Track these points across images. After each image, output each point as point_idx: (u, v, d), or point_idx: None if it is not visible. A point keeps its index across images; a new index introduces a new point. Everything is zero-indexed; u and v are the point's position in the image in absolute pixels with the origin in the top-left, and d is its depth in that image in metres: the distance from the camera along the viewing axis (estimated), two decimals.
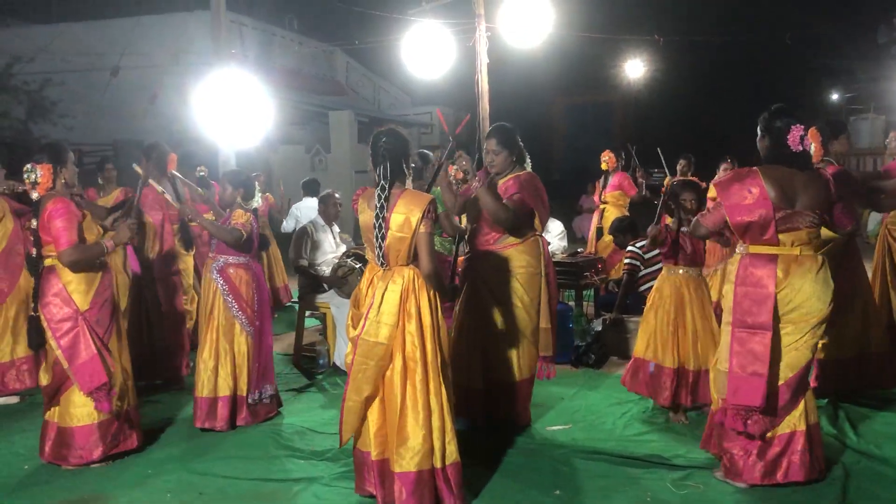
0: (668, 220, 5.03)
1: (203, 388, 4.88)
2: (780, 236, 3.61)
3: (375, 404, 3.63)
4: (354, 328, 3.65)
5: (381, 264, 3.61)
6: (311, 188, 9.29)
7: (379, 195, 3.56)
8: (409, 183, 3.73)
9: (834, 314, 3.82)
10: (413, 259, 3.62)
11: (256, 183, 5.35)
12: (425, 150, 6.20)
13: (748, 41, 21.58)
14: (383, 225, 3.55)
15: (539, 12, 7.46)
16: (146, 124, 14.10)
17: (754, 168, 3.70)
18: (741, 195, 3.63)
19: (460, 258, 6.73)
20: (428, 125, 25.94)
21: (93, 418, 4.27)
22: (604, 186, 8.67)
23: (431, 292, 3.62)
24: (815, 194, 3.63)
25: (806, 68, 28.60)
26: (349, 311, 3.76)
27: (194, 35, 15.88)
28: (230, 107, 8.30)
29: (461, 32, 8.21)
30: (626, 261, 7.12)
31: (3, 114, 14.62)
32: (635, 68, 21.14)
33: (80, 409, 4.26)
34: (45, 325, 4.23)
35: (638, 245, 7.07)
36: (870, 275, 5.70)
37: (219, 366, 4.89)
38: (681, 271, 4.92)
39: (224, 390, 4.88)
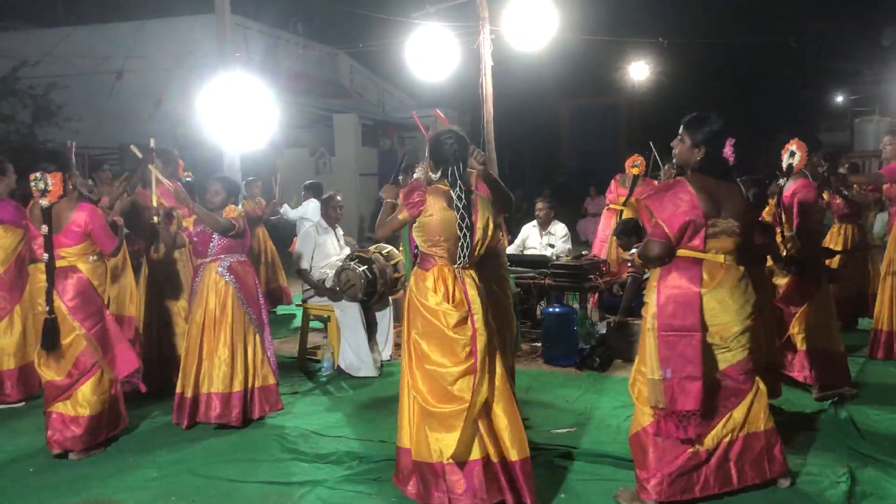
0: None
1: (218, 384, 4.95)
2: (708, 244, 3.59)
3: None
4: (455, 329, 3.61)
5: (462, 264, 3.70)
6: (315, 190, 9.30)
7: (460, 196, 3.66)
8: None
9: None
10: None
11: (254, 187, 5.41)
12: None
13: (753, 44, 21.56)
14: (472, 225, 3.67)
15: (543, 15, 7.45)
16: (151, 128, 14.08)
17: (680, 178, 3.68)
18: (675, 203, 3.58)
19: None
20: (432, 127, 25.99)
21: (96, 408, 4.59)
22: (631, 190, 8.18)
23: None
24: (737, 204, 3.64)
25: (811, 71, 28.57)
26: (425, 314, 3.67)
27: (199, 39, 15.91)
28: (235, 110, 8.30)
29: (465, 35, 8.21)
30: (631, 264, 7.12)
31: (8, 117, 14.64)
32: (640, 71, 21.13)
33: (92, 398, 4.56)
34: (72, 321, 4.51)
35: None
36: (882, 273, 6.21)
37: (234, 361, 4.99)
38: None
39: (237, 386, 4.99)
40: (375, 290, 6.23)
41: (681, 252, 3.64)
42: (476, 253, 3.73)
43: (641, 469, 3.70)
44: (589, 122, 30.61)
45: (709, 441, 3.63)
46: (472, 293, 3.68)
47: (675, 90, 25.01)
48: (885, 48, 23.54)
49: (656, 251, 3.62)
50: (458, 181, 3.69)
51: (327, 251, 6.78)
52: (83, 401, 4.55)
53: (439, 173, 3.74)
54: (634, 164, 8.14)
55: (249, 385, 5.06)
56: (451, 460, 3.57)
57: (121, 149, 15.84)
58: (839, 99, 30.42)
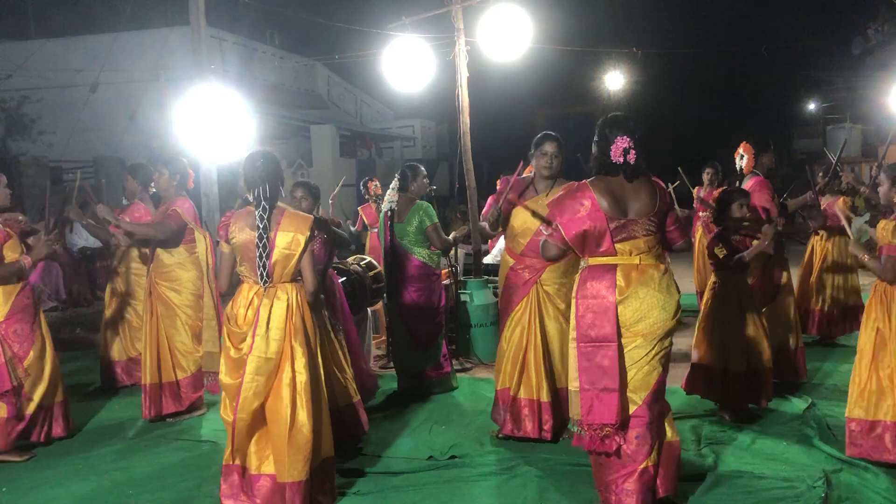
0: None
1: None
2: (618, 246, 3.52)
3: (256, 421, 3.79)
4: (236, 347, 3.78)
5: (264, 282, 3.77)
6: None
7: (261, 216, 3.77)
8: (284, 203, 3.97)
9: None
10: (294, 277, 3.86)
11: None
12: (416, 164, 6.19)
13: (727, 53, 21.81)
14: (268, 244, 3.76)
15: (518, 26, 7.47)
16: (126, 140, 14.02)
17: (584, 182, 3.62)
18: (574, 209, 3.54)
19: (443, 271, 6.76)
20: (410, 138, 25.98)
21: None
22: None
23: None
24: (646, 202, 3.55)
25: (785, 79, 28.96)
26: (224, 330, 3.89)
27: (174, 51, 15.84)
28: (211, 122, 8.27)
29: (441, 46, 8.22)
30: None
31: None
32: (616, 80, 21.32)
33: None
34: None
35: None
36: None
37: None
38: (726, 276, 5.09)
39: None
40: (353, 302, 6.20)
41: (594, 260, 3.59)
42: (278, 273, 3.79)
43: (596, 481, 3.68)
44: (565, 132, 30.64)
45: (653, 457, 3.53)
46: (263, 313, 3.74)
47: (650, 99, 25.23)
48: (855, 57, 23.92)
49: (552, 252, 3.70)
50: (262, 202, 3.79)
51: None
52: None
53: (251, 193, 3.84)
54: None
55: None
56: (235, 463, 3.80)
57: (95, 162, 15.73)
58: (812, 107, 30.84)
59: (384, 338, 7.31)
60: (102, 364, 6.37)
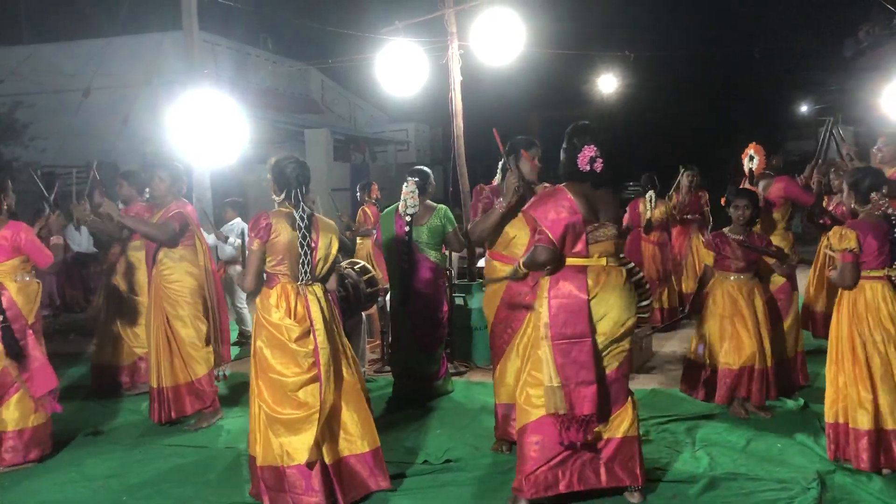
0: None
1: None
2: (591, 248, 3.71)
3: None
4: (296, 342, 3.90)
5: (306, 280, 3.99)
6: (237, 208, 8.83)
7: (302, 217, 3.99)
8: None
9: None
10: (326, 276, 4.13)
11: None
12: (424, 168, 6.10)
13: (719, 56, 21.88)
14: (312, 244, 3.98)
15: (511, 30, 7.49)
16: (119, 146, 13.97)
17: (560, 185, 3.80)
18: (557, 210, 3.69)
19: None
20: (404, 142, 26.00)
21: (19, 425, 4.69)
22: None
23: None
24: (612, 209, 3.79)
25: (777, 81, 29.05)
26: (269, 328, 3.96)
27: (168, 55, 15.80)
28: (204, 127, 8.25)
29: (435, 50, 8.24)
30: None
31: None
32: (608, 83, 21.36)
33: (15, 415, 4.69)
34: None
35: None
36: None
37: None
38: (731, 277, 5.17)
39: None
40: (348, 306, 6.18)
41: (568, 261, 3.74)
42: (318, 271, 4.03)
43: (521, 466, 3.78)
44: (559, 135, 30.57)
45: (596, 442, 3.73)
46: (315, 309, 3.95)
47: (643, 102, 25.30)
48: (847, 59, 24.02)
49: (544, 257, 3.72)
50: (301, 203, 4.01)
51: None
52: (7, 417, 4.67)
53: (283, 196, 4.05)
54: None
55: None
56: (295, 463, 3.85)
57: (88, 167, 15.70)
58: (804, 108, 30.94)
59: (378, 342, 7.30)
60: (94, 369, 6.36)
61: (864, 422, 4.08)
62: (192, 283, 5.49)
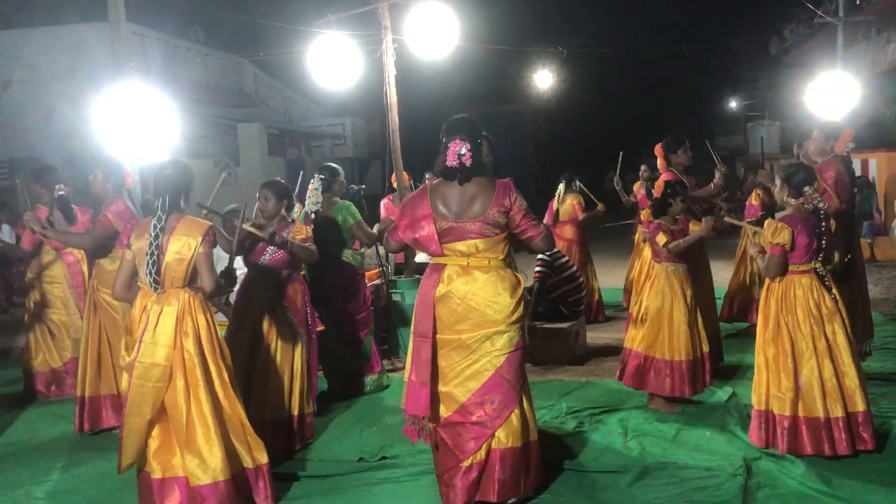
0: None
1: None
2: (446, 248, 3.66)
3: (155, 427, 3.76)
4: (129, 354, 3.76)
5: (155, 288, 3.76)
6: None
7: (155, 224, 3.77)
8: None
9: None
10: (190, 281, 3.83)
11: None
12: (333, 165, 6.14)
13: (650, 53, 22.31)
14: (157, 250, 3.73)
15: (445, 24, 7.46)
16: (43, 141, 13.51)
17: (425, 185, 3.87)
18: (413, 212, 3.74)
19: (373, 271, 6.72)
20: (341, 136, 25.77)
21: None
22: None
23: (208, 312, 3.85)
24: (479, 204, 3.64)
25: (706, 78, 29.79)
26: (122, 340, 3.94)
27: (92, 48, 15.29)
28: (133, 122, 8.00)
29: (369, 44, 8.16)
30: (537, 269, 7.24)
31: None
32: (544, 79, 21.55)
33: None
34: None
35: (548, 253, 7.19)
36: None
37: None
38: (670, 268, 5.21)
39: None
40: None
41: (433, 259, 3.77)
42: (169, 277, 3.77)
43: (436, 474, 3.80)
44: (496, 130, 30.64)
45: (480, 454, 3.61)
46: (152, 318, 3.73)
47: (578, 98, 25.63)
48: (773, 56, 24.78)
49: (392, 247, 3.95)
50: (159, 210, 3.82)
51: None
52: None
53: (158, 202, 3.86)
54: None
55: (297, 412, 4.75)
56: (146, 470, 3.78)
57: (10, 164, 15.09)
58: (733, 104, 31.81)
59: None
60: (26, 373, 6.11)
61: (786, 408, 4.22)
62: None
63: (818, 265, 4.27)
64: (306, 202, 5.84)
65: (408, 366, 3.73)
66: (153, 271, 3.73)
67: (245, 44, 20.52)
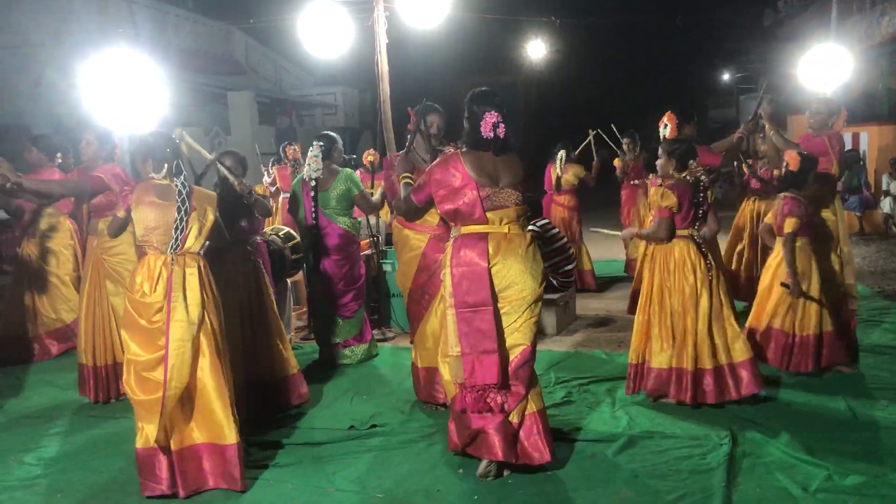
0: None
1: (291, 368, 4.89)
2: (489, 215, 3.69)
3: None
4: (150, 319, 3.69)
5: (174, 250, 3.78)
6: None
7: (180, 190, 3.81)
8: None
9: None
10: (202, 248, 3.92)
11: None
12: (331, 133, 6.13)
13: (643, 24, 22.16)
14: (185, 216, 3.79)
15: None
16: (30, 107, 13.37)
17: (456, 152, 3.83)
18: (447, 178, 3.73)
19: (364, 241, 6.72)
20: (332, 105, 25.58)
21: None
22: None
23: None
24: (515, 173, 3.76)
25: (700, 50, 29.66)
26: (126, 303, 3.84)
27: (79, 14, 15.07)
28: (121, 89, 7.92)
29: (360, 12, 8.10)
30: None
31: None
32: (537, 49, 21.38)
33: None
34: None
35: (538, 224, 7.19)
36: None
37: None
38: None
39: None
40: (274, 273, 6.10)
41: (466, 229, 3.75)
42: (190, 242, 3.82)
43: (459, 434, 3.82)
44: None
45: (514, 415, 3.70)
46: (177, 280, 3.74)
47: (571, 69, 25.47)
48: (766, 28, 24.66)
49: (411, 208, 3.97)
50: (183, 172, 3.88)
51: None
52: None
53: (163, 170, 3.88)
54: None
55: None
56: (150, 446, 3.66)
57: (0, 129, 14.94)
58: (726, 77, 31.70)
59: (305, 309, 7.24)
60: (2, 341, 6.16)
61: (663, 361, 4.64)
62: (133, 256, 5.04)
63: (695, 231, 4.65)
64: (306, 169, 5.83)
65: (453, 339, 3.67)
66: (179, 234, 3.78)
67: (235, 11, 20.29)
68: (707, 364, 4.57)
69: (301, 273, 6.84)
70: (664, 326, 4.64)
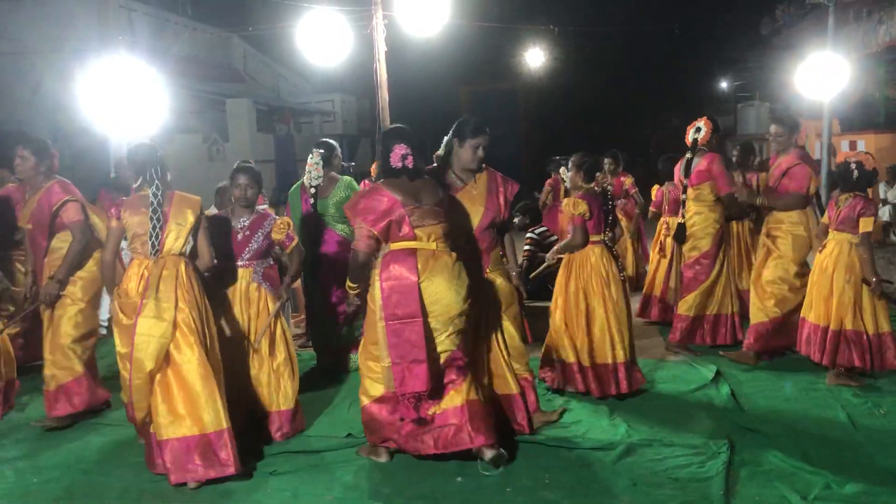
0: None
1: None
2: (417, 231, 3.89)
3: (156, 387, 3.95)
4: (129, 316, 3.97)
5: (155, 254, 4.02)
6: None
7: (155, 194, 4.05)
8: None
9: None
10: (186, 251, 4.12)
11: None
12: (330, 140, 6.13)
13: (641, 32, 22.23)
14: (159, 221, 4.02)
15: (435, 1, 7.45)
16: (29, 114, 13.36)
17: (377, 183, 4.08)
18: (373, 204, 3.92)
19: None
20: (330, 113, 25.62)
21: None
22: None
23: (199, 279, 4.12)
24: (433, 195, 3.99)
25: (697, 58, 29.74)
26: (113, 305, 4.12)
27: (79, 20, 15.10)
28: (120, 96, 7.96)
29: (359, 20, 8.12)
30: (525, 247, 7.26)
31: None
32: (536, 57, 21.46)
33: None
34: None
35: (537, 231, 7.21)
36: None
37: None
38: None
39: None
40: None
41: (395, 245, 3.91)
42: (168, 245, 4.04)
43: (371, 434, 4.07)
44: (487, 108, 30.88)
45: (433, 409, 3.90)
46: (153, 280, 3.96)
47: (569, 77, 25.55)
48: (764, 37, 24.73)
49: (361, 259, 4.00)
50: (156, 180, 4.07)
51: None
52: None
53: (145, 177, 4.10)
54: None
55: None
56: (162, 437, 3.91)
57: None
58: (724, 85, 31.76)
59: (303, 316, 7.23)
60: None
61: (583, 358, 4.95)
62: (85, 270, 4.89)
63: (606, 237, 5.06)
64: (306, 177, 5.83)
65: (382, 352, 3.84)
66: (155, 240, 4.01)
67: (234, 19, 20.36)
68: (622, 358, 4.96)
69: (299, 280, 6.83)
70: (580, 326, 4.98)
